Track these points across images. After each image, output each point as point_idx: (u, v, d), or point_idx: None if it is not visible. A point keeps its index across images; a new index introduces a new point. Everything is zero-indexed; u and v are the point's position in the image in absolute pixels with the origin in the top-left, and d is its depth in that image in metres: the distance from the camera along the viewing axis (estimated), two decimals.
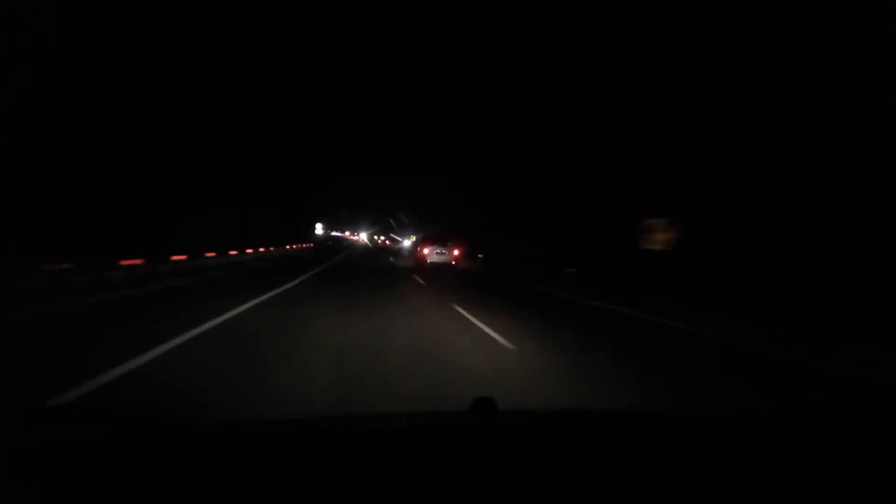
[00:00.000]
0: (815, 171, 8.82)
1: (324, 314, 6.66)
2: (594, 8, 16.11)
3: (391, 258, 25.50)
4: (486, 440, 1.05)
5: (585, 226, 17.33)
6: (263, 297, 7.93)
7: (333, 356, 4.20)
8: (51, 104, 10.38)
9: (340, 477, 0.87)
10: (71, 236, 9.74)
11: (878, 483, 0.93)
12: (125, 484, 0.80)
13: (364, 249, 45.93)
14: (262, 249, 21.12)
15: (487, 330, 5.78)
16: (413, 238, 24.32)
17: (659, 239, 13.59)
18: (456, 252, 20.62)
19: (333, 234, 69.82)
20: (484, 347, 4.86)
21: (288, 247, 28.63)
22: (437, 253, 20.01)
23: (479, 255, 24.41)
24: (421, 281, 13.29)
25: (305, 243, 37.56)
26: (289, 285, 10.39)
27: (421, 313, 7.22)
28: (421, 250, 21.30)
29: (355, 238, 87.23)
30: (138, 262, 9.78)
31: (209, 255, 14.04)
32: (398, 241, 50.75)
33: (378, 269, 18.90)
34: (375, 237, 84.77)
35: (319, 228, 47.93)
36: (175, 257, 11.44)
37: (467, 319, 6.59)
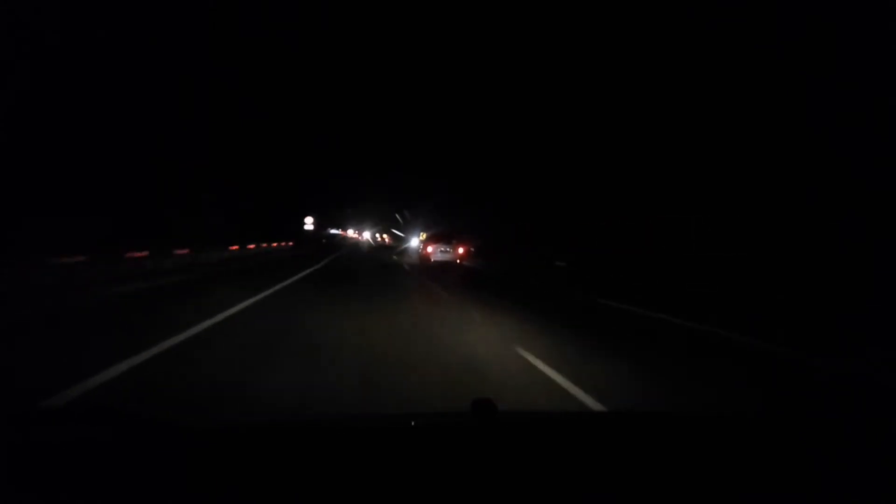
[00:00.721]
0: (814, 171, 8.82)
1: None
2: (593, 10, 16.13)
3: (394, 256, 24.64)
4: (486, 441, 1.05)
5: (582, 225, 17.56)
6: None
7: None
8: (50, 104, 10.39)
9: (341, 477, 0.87)
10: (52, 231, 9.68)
11: (879, 483, 0.93)
12: (124, 485, 0.80)
13: (366, 249, 39.29)
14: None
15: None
16: (423, 236, 23.51)
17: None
18: (461, 250, 20.46)
19: (332, 231, 62.39)
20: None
21: (235, 247, 17.50)
22: (442, 251, 19.88)
23: (481, 253, 24.37)
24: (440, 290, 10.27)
25: (284, 241, 26.45)
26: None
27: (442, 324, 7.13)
28: (425, 248, 21.11)
29: (356, 237, 78.07)
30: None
31: None
32: (402, 238, 47.22)
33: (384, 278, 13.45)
34: (377, 235, 79.81)
35: (310, 223, 38.68)
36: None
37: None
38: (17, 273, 6.99)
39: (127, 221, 12.12)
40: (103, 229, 10.55)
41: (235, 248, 17.60)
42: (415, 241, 24.20)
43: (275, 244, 23.73)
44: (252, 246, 19.84)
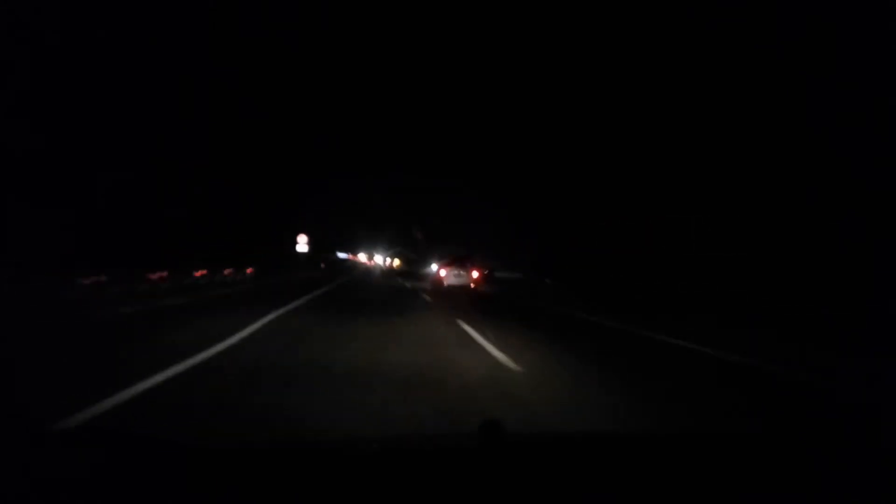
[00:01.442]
0: (814, 171, 8.82)
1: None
2: (593, 10, 16.13)
3: (408, 284, 19.90)
4: (494, 463, 1.04)
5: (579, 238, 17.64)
6: None
7: None
8: (50, 104, 10.39)
9: (349, 502, 0.86)
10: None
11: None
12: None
13: (375, 279, 26.33)
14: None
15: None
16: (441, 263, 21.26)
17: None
18: (475, 274, 19.24)
19: (341, 255, 55.53)
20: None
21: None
22: (455, 275, 18.80)
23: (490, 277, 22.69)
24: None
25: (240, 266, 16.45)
26: None
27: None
28: (438, 272, 19.74)
29: (368, 263, 68.84)
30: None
31: None
32: (416, 261, 40.04)
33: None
34: (387, 259, 68.15)
35: (303, 244, 27.21)
36: None
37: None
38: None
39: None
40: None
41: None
42: (435, 267, 22.44)
43: (228, 271, 15.14)
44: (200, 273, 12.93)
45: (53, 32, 10.03)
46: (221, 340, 4.58)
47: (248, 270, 17.01)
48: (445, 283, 18.43)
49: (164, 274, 10.82)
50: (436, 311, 8.86)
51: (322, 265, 29.81)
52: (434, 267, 21.02)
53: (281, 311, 7.34)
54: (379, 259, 66.47)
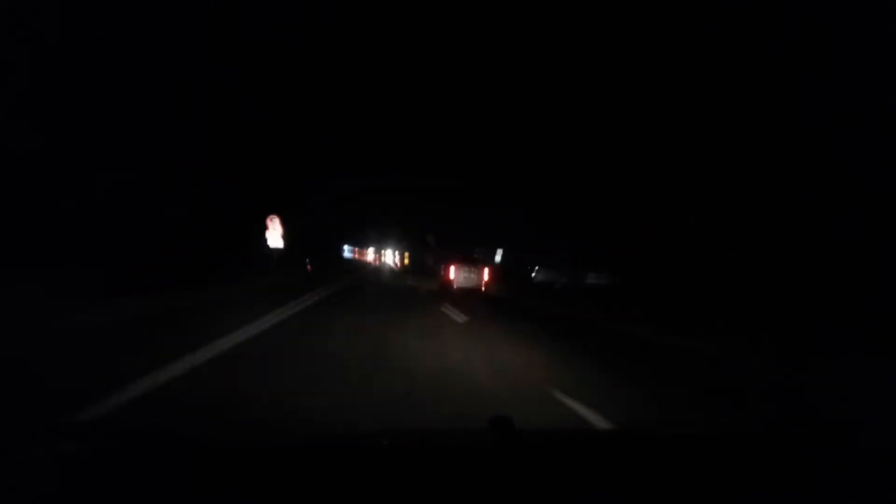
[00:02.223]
0: (814, 171, 8.81)
1: None
2: (593, 10, 16.12)
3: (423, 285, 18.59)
4: (505, 459, 1.04)
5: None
6: None
7: None
8: (50, 104, 10.38)
9: (359, 499, 0.86)
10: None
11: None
12: (136, 500, 0.81)
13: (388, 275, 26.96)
14: None
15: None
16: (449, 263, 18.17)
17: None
18: (486, 276, 17.48)
19: (346, 254, 52.33)
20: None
21: None
22: (465, 276, 16.97)
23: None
24: None
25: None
26: None
27: None
28: (446, 273, 17.33)
29: (376, 261, 61.86)
30: None
31: None
32: (426, 260, 35.24)
33: None
34: (396, 255, 62.24)
35: (276, 237, 20.20)
36: None
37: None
38: None
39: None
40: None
41: None
42: (441, 267, 19.51)
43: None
44: None
45: (53, 32, 10.02)
46: None
47: None
48: (455, 285, 16.60)
49: None
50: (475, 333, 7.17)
51: (308, 267, 22.93)
52: (442, 267, 19.03)
53: None
54: (388, 257, 61.24)
